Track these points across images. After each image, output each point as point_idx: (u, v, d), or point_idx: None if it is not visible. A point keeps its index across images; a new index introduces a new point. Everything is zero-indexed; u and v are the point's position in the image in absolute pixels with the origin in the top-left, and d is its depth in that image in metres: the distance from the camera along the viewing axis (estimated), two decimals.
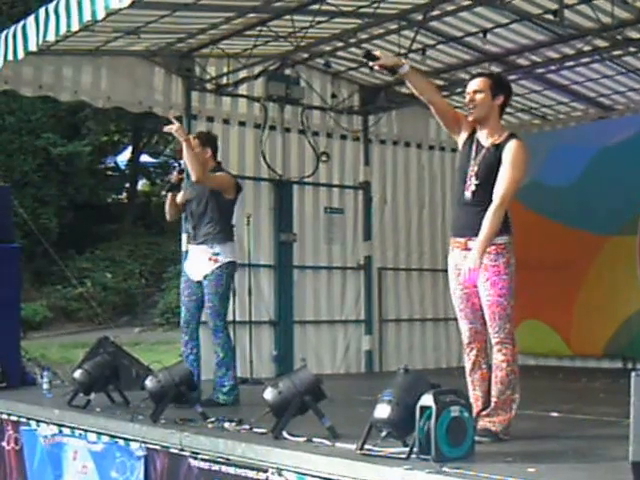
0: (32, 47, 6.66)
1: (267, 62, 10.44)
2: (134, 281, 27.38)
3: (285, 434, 5.13)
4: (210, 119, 10.55)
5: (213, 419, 5.89)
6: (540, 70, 10.51)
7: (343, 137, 11.67)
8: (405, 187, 12.18)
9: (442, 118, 5.46)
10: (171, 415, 6.08)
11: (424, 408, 4.30)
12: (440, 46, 10.13)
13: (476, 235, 5.12)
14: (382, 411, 4.45)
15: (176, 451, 5.60)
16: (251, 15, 9.04)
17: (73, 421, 6.69)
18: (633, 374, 3.67)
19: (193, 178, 7.09)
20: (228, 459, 5.17)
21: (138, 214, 31.69)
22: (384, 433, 4.48)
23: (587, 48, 9.50)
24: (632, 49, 9.43)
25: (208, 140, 7.44)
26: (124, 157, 34.28)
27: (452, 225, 5.55)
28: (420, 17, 9.01)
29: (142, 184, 34.75)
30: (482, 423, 5.14)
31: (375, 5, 8.66)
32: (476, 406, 5.18)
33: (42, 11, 6.39)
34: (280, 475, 4.77)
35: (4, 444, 7.44)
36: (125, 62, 9.99)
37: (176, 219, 7.74)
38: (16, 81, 9.51)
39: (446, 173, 12.41)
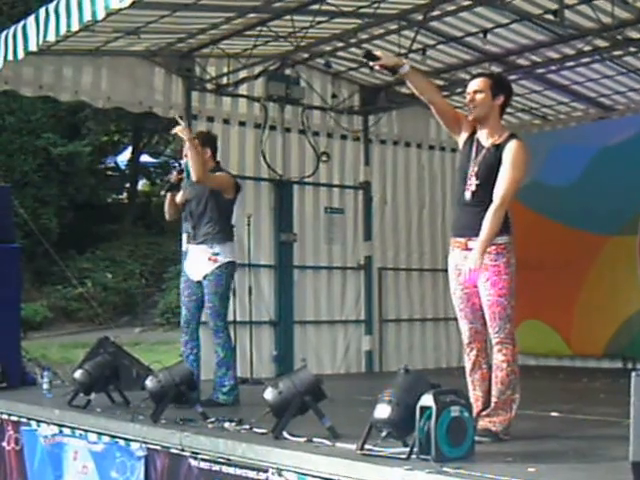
0: (32, 47, 6.66)
1: (267, 62, 10.44)
2: (134, 281, 27.40)
3: (285, 434, 5.12)
4: (210, 119, 10.55)
5: (213, 419, 5.89)
6: (540, 70, 10.51)
7: (343, 137, 11.67)
8: (405, 187, 12.18)
9: (442, 118, 5.46)
10: (171, 415, 6.07)
11: (424, 408, 4.30)
12: (440, 46, 10.13)
13: (476, 235, 5.12)
14: (382, 411, 4.45)
15: (176, 451, 5.60)
16: (251, 15, 9.04)
17: (73, 421, 6.69)
18: (633, 374, 3.67)
19: (194, 178, 7.09)
20: (228, 459, 5.17)
21: (138, 214, 31.71)
22: (384, 433, 4.48)
23: (587, 48, 9.50)
24: (632, 49, 9.43)
25: (208, 140, 7.45)
26: (124, 157, 34.32)
27: (452, 225, 5.55)
28: (420, 17, 9.01)
29: (142, 184, 34.78)
30: (482, 423, 5.14)
31: (375, 5, 8.66)
32: (476, 406, 5.19)
33: (42, 11, 6.39)
34: (280, 475, 4.77)
35: (4, 444, 7.44)
36: (125, 62, 9.99)
37: (176, 219, 7.74)
38: (16, 81, 9.51)
39: (446, 173, 12.41)
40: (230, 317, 9.52)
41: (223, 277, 7.26)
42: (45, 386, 8.16)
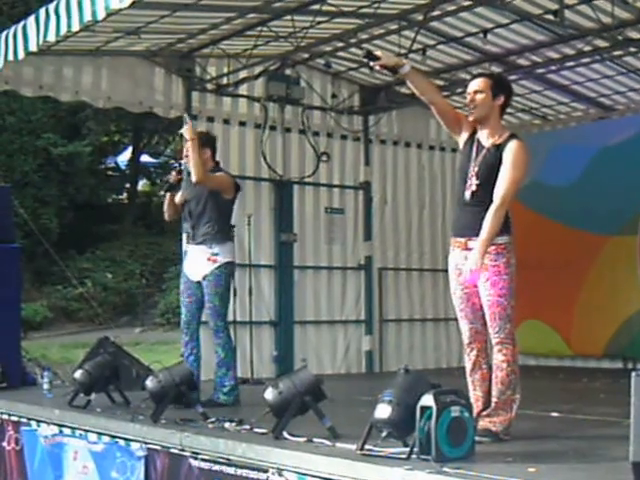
0: (32, 47, 6.66)
1: (267, 62, 10.45)
2: (134, 281, 27.41)
3: (285, 434, 5.12)
4: (210, 119, 10.55)
5: (213, 419, 5.89)
6: (540, 70, 10.51)
7: (343, 137, 11.68)
8: (405, 187, 12.18)
9: (443, 118, 5.46)
10: (171, 415, 6.07)
11: (424, 408, 4.30)
12: (440, 46, 10.13)
13: (476, 235, 5.13)
14: (382, 411, 4.45)
15: (176, 451, 5.60)
16: (251, 15, 9.04)
17: (74, 421, 6.69)
18: (633, 374, 3.67)
19: (194, 178, 7.09)
20: (228, 459, 5.17)
21: (138, 214, 31.72)
22: (384, 433, 4.48)
23: (587, 48, 9.51)
24: (632, 49, 9.43)
25: (207, 140, 7.44)
26: (124, 157, 34.32)
27: (452, 225, 5.55)
28: (420, 17, 9.01)
29: (142, 184, 34.79)
30: (482, 423, 5.14)
31: (375, 5, 8.67)
32: (476, 406, 5.18)
33: (42, 11, 6.40)
34: (280, 475, 4.77)
35: (4, 444, 7.44)
36: (125, 62, 9.99)
37: (175, 219, 7.74)
38: (16, 81, 9.52)
39: (446, 173, 12.41)
40: (230, 317, 9.52)
41: (223, 277, 7.26)
42: (45, 386, 8.16)
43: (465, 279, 5.17)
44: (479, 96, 5.28)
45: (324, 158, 11.41)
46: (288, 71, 10.85)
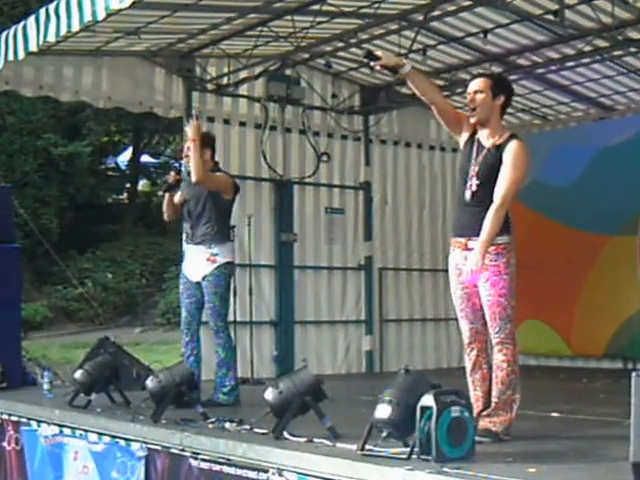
0: (33, 47, 6.66)
1: (268, 62, 10.45)
2: (135, 281, 27.42)
3: (286, 434, 5.12)
4: (211, 119, 10.54)
5: (214, 419, 5.89)
6: (541, 70, 10.51)
7: (344, 137, 11.68)
8: (406, 187, 12.18)
9: (443, 118, 5.46)
10: (172, 415, 6.07)
11: (425, 408, 4.30)
12: (441, 46, 10.13)
13: (477, 235, 5.13)
14: (383, 411, 4.45)
15: (177, 451, 5.60)
16: (252, 15, 9.04)
17: (74, 421, 6.69)
18: (633, 374, 3.67)
19: (194, 178, 7.09)
20: (229, 459, 5.17)
21: (139, 214, 31.74)
22: (385, 433, 4.48)
23: (588, 48, 9.50)
24: (633, 49, 9.43)
25: (207, 141, 7.44)
26: (125, 157, 34.34)
27: (453, 225, 5.55)
28: (421, 17, 9.01)
29: (143, 184, 34.81)
30: (483, 423, 5.14)
31: (376, 5, 8.67)
32: (477, 406, 5.19)
33: (42, 11, 6.40)
34: (281, 475, 4.77)
35: (5, 444, 7.44)
36: (126, 62, 9.99)
37: (174, 219, 7.74)
38: (17, 81, 9.52)
39: (447, 173, 12.42)
40: (230, 317, 9.52)
41: (222, 277, 7.26)
42: (45, 386, 8.16)
43: (465, 279, 5.17)
44: (479, 96, 5.28)
45: (324, 158, 11.41)
46: (288, 71, 10.85)
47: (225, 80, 10.54)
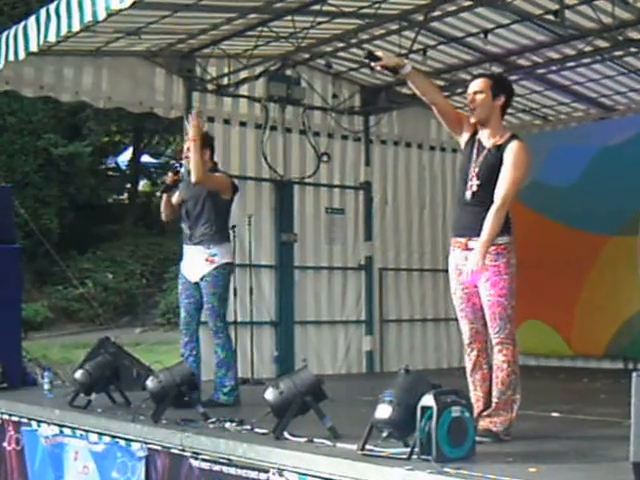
0: (33, 47, 6.66)
1: (268, 62, 10.45)
2: (135, 281, 27.42)
3: (286, 434, 5.13)
4: (211, 119, 10.53)
5: (214, 419, 5.89)
6: (541, 70, 10.51)
7: (344, 137, 11.68)
8: (406, 187, 12.19)
9: (444, 118, 5.46)
10: (172, 415, 6.07)
11: (425, 408, 4.30)
12: (441, 46, 10.13)
13: (477, 235, 5.13)
14: (383, 411, 4.45)
15: (177, 451, 5.60)
16: (252, 15, 9.04)
17: (74, 421, 6.69)
18: (634, 374, 3.67)
19: (194, 179, 7.09)
20: (229, 459, 5.17)
21: (139, 214, 31.74)
22: (385, 433, 4.48)
23: (588, 48, 9.50)
24: (633, 49, 9.43)
25: (206, 141, 7.43)
26: (125, 157, 34.34)
27: (453, 225, 5.55)
28: (421, 18, 9.01)
29: (143, 184, 34.81)
30: (483, 423, 5.14)
31: (376, 6, 8.67)
32: (477, 407, 5.19)
33: (43, 12, 6.40)
34: (281, 475, 4.77)
35: (5, 444, 7.44)
36: (126, 62, 10.00)
37: (172, 219, 7.74)
38: (17, 82, 9.52)
39: (447, 173, 12.42)
40: (231, 317, 9.55)
41: (221, 278, 7.25)
42: (46, 386, 8.16)
43: (465, 279, 5.17)
44: (479, 96, 5.28)
45: (325, 158, 11.41)
46: (289, 71, 10.86)
47: (225, 80, 10.54)
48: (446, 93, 9.89)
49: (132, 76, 10.06)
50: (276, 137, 11.06)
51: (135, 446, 5.94)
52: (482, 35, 9.54)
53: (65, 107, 25.38)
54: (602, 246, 11.18)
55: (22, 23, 6.81)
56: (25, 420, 7.27)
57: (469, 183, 5.27)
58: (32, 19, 6.59)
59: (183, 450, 5.54)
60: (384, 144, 12.08)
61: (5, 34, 7.03)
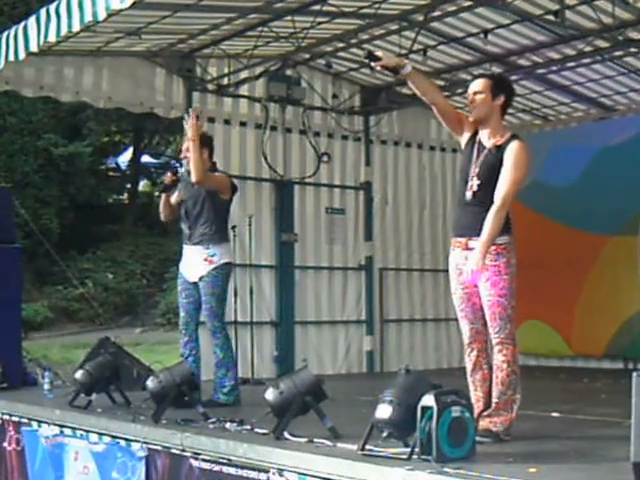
0: (33, 48, 6.66)
1: (268, 63, 10.45)
2: (135, 281, 27.43)
3: (286, 434, 5.13)
4: (211, 120, 10.53)
5: (214, 419, 5.89)
6: (541, 71, 10.51)
7: (344, 137, 11.68)
8: (406, 187, 12.19)
9: (444, 118, 5.46)
10: (172, 415, 6.08)
11: (425, 408, 4.30)
12: (441, 47, 10.13)
13: (477, 235, 5.13)
14: (383, 411, 4.45)
15: (177, 451, 5.60)
16: (252, 16, 9.04)
17: (74, 421, 6.69)
18: (634, 374, 3.67)
19: (194, 178, 7.09)
20: (229, 459, 5.17)
21: (139, 214, 31.74)
22: (385, 433, 4.48)
23: (588, 49, 9.50)
24: (633, 50, 9.43)
25: (204, 141, 7.42)
26: (125, 158, 34.36)
27: (453, 225, 5.55)
28: (421, 18, 9.01)
29: (143, 184, 34.82)
30: (483, 424, 5.14)
31: (376, 6, 8.67)
32: (477, 407, 5.18)
33: (43, 12, 6.40)
34: (281, 475, 4.77)
35: (5, 445, 7.44)
36: (126, 63, 10.00)
37: (171, 219, 7.73)
38: (17, 82, 9.52)
39: (447, 173, 12.43)
40: (231, 317, 9.56)
41: (219, 278, 7.25)
42: (46, 386, 8.16)
43: (466, 279, 5.17)
44: (479, 97, 5.29)
45: (325, 158, 11.41)
46: (289, 71, 10.86)
47: (226, 80, 10.54)
48: (446, 93, 9.89)
49: (132, 76, 10.06)
50: (276, 137, 11.07)
51: (135, 446, 5.95)
52: (482, 35, 9.54)
53: (65, 107, 25.39)
54: (602, 246, 11.18)
55: (22, 23, 6.81)
56: (25, 420, 7.27)
57: (469, 183, 5.27)
58: (32, 19, 6.59)
59: (183, 450, 5.54)
60: (384, 144, 12.08)
61: (5, 34, 7.02)
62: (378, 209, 11.89)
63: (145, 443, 5.87)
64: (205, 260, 7.21)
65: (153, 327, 24.49)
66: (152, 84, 10.26)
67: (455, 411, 4.34)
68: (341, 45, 10.05)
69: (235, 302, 9.81)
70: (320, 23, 9.07)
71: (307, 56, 10.54)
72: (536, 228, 11.12)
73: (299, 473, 4.67)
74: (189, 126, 7.12)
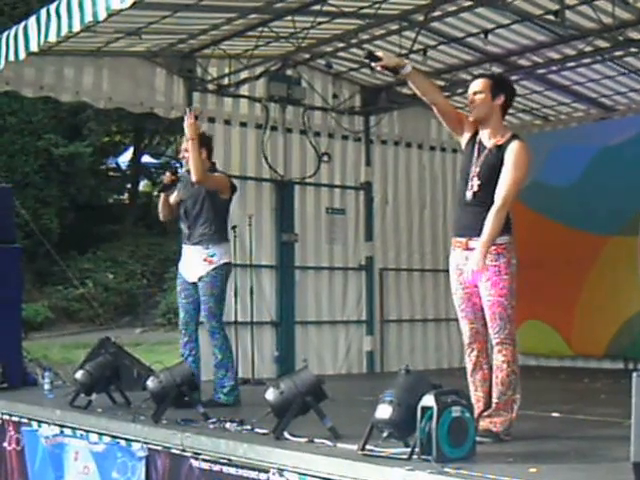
0: (33, 48, 6.66)
1: (268, 63, 10.45)
2: (135, 281, 27.43)
3: (286, 434, 5.13)
4: (212, 120, 10.54)
5: (214, 419, 5.89)
6: (541, 71, 10.51)
7: (345, 137, 11.68)
8: (406, 187, 12.19)
9: (445, 119, 5.46)
10: (172, 415, 6.08)
11: (425, 408, 4.30)
12: (441, 47, 10.12)
13: (477, 235, 5.13)
14: (383, 411, 4.45)
15: (177, 452, 5.60)
16: (252, 16, 9.04)
17: (74, 421, 6.69)
18: (634, 375, 3.67)
19: (194, 178, 7.08)
20: (229, 459, 5.17)
21: (139, 214, 31.74)
22: (385, 433, 4.48)
23: (588, 49, 9.50)
24: (633, 50, 9.43)
25: (203, 140, 7.41)
26: (125, 158, 34.34)
27: (453, 225, 5.55)
28: (421, 18, 9.01)
29: (143, 185, 34.82)
30: (483, 424, 5.14)
31: (376, 6, 8.67)
32: (478, 407, 5.19)
33: (43, 12, 6.40)
34: (281, 475, 4.77)
35: (5, 445, 7.44)
36: (126, 63, 9.99)
37: (170, 219, 7.73)
38: (17, 82, 9.52)
39: (447, 174, 12.43)
40: (231, 317, 9.57)
41: (218, 279, 7.24)
42: (46, 386, 8.17)
43: (466, 279, 5.17)
44: (478, 96, 5.29)
45: (325, 158, 11.41)
46: (289, 71, 10.86)
47: (226, 80, 10.54)
48: (446, 93, 9.89)
49: (133, 76, 10.06)
50: (277, 137, 11.07)
51: (135, 446, 5.95)
52: (482, 35, 9.54)
53: (65, 107, 25.39)
54: (602, 246, 11.18)
55: (22, 23, 6.81)
56: (25, 420, 7.27)
57: (470, 183, 5.27)
58: (32, 19, 6.59)
59: (183, 450, 5.54)
60: (384, 144, 12.08)
61: (5, 34, 7.03)
62: (378, 209, 11.89)
63: (145, 443, 5.87)
64: (204, 260, 7.21)
65: (153, 327, 24.49)
66: (152, 84, 10.26)
67: (455, 411, 4.34)
68: (341, 45, 10.05)
69: (235, 302, 9.82)
70: (320, 23, 9.07)
71: (307, 56, 10.54)
72: (536, 228, 11.12)
73: (299, 473, 4.67)
74: (187, 125, 7.12)
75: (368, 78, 11.30)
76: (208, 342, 7.44)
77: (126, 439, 6.07)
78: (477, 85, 5.32)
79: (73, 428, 6.67)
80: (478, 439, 4.58)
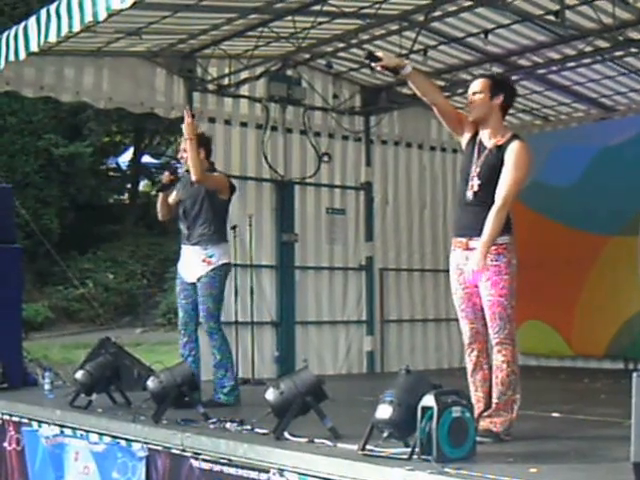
0: (34, 48, 6.66)
1: (269, 63, 10.45)
2: (136, 282, 27.43)
3: (287, 435, 5.13)
4: (212, 120, 10.55)
5: (215, 419, 5.89)
6: (541, 71, 10.51)
7: (345, 138, 11.68)
8: (407, 188, 12.19)
9: (445, 119, 5.47)
10: (173, 416, 6.08)
11: (425, 409, 4.30)
12: (441, 47, 10.13)
13: (478, 235, 5.13)
14: (384, 412, 4.45)
15: (178, 452, 5.60)
16: (253, 16, 9.04)
17: (75, 422, 6.69)
18: (634, 375, 3.67)
19: (194, 178, 7.08)
20: (230, 460, 5.17)
21: (140, 215, 31.72)
22: (386, 434, 4.48)
23: (588, 49, 9.50)
24: (633, 50, 9.43)
25: (201, 141, 7.41)
26: (126, 158, 34.33)
27: (454, 225, 5.55)
28: (421, 18, 9.01)
29: (144, 185, 34.80)
30: (483, 424, 5.14)
31: (377, 6, 8.67)
32: (478, 407, 5.19)
33: (43, 12, 6.40)
34: (282, 476, 4.77)
35: (6, 445, 7.44)
36: (127, 63, 9.99)
37: (168, 219, 7.73)
38: (17, 82, 9.52)
39: (447, 174, 12.43)
40: (231, 317, 9.57)
41: (217, 279, 7.24)
42: (46, 387, 8.17)
43: (466, 279, 5.17)
44: (477, 97, 5.30)
45: (325, 158, 11.41)
46: (289, 72, 10.86)
47: (226, 80, 10.54)
48: (447, 93, 9.88)
49: (133, 76, 10.06)
50: (277, 137, 11.07)
51: (136, 446, 5.95)
52: (482, 35, 9.54)
53: (66, 107, 25.39)
54: (602, 246, 11.18)
55: (22, 23, 6.81)
56: (26, 420, 7.27)
57: (470, 183, 5.27)
58: (33, 19, 6.60)
59: (184, 450, 5.54)
60: (385, 144, 12.08)
61: (5, 34, 7.03)
62: (379, 209, 11.89)
63: (145, 443, 5.87)
64: (203, 261, 7.21)
65: (154, 327, 24.49)
66: (152, 84, 10.26)
67: (455, 411, 4.34)
68: (341, 45, 10.05)
69: (236, 302, 9.82)
70: (320, 23, 9.07)
71: (307, 56, 10.54)
72: (536, 228, 11.12)
73: (299, 473, 4.67)
74: (185, 125, 7.12)
75: (368, 78, 11.30)
76: (208, 342, 7.44)
77: (126, 439, 6.07)
78: (476, 85, 5.33)
79: (73, 428, 6.67)
80: (478, 439, 4.58)
